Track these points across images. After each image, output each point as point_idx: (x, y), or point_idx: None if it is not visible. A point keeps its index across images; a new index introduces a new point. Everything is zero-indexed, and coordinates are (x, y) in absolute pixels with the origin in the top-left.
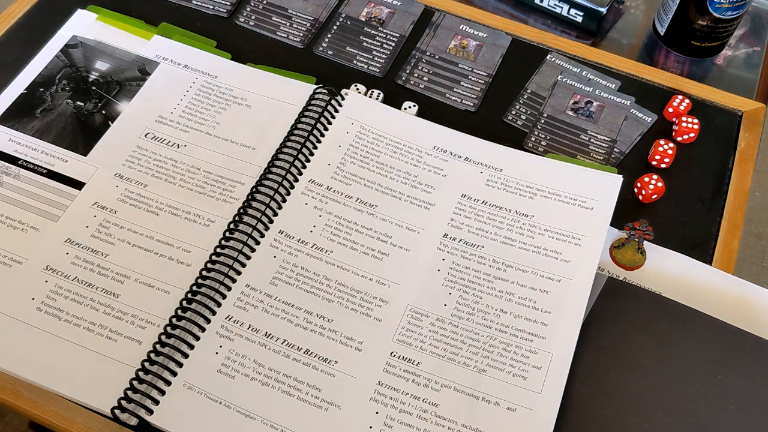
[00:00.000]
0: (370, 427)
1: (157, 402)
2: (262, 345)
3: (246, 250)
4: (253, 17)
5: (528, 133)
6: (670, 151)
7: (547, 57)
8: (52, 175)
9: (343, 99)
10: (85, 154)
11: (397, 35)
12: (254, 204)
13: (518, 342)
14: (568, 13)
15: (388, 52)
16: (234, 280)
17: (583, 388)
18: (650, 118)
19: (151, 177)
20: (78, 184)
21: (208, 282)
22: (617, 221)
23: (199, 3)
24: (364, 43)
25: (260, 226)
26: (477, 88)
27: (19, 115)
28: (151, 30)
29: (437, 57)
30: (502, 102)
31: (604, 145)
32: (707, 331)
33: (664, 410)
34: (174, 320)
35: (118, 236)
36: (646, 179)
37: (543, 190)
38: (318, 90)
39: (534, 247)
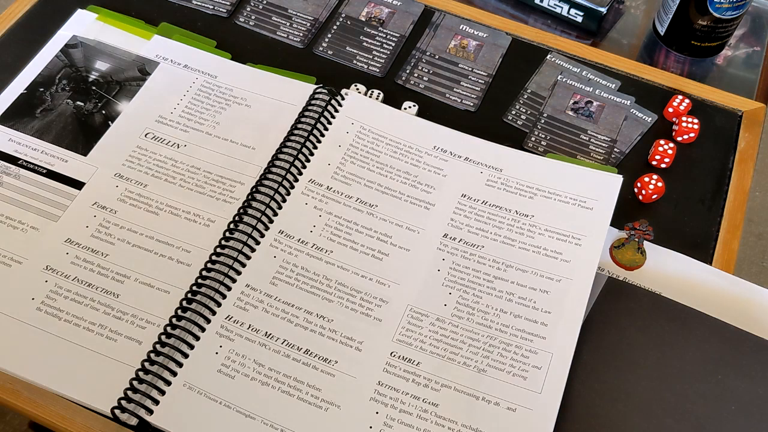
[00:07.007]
0: (370, 427)
1: (157, 402)
2: (262, 345)
3: (246, 250)
4: (253, 17)
5: (528, 133)
6: (670, 151)
7: (547, 57)
8: (52, 175)
9: (343, 99)
10: (85, 154)
11: (397, 35)
12: (254, 204)
13: (518, 342)
14: (568, 13)
15: (388, 52)
16: (234, 280)
17: (583, 388)
18: (650, 118)
19: (151, 177)
20: (78, 184)
21: (208, 282)
22: (617, 221)
23: (199, 3)
24: (364, 43)
25: (260, 226)
26: (477, 88)
27: (19, 115)
28: (151, 30)
29: (437, 57)
30: (502, 102)
31: (604, 145)
32: (707, 331)
33: (664, 410)
34: (174, 320)
35: (118, 236)
36: (646, 179)
37: (543, 190)
38: (318, 90)
39: (534, 247)
